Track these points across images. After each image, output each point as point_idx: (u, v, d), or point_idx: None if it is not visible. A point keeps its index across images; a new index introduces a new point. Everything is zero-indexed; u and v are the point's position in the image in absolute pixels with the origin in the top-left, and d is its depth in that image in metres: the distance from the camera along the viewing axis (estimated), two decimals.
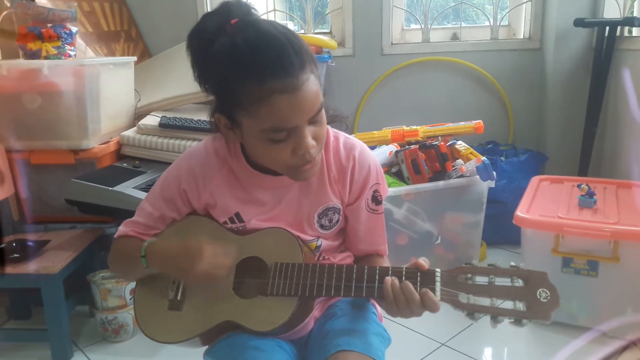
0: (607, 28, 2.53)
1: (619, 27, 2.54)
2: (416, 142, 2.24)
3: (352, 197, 1.07)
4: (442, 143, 2.16)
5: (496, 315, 0.86)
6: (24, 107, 1.94)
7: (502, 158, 2.62)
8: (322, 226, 1.07)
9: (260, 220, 1.05)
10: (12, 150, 1.97)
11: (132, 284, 1.90)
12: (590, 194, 1.97)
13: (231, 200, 1.05)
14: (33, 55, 1.97)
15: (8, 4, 2.04)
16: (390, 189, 2.00)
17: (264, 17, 3.10)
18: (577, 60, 2.75)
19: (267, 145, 0.91)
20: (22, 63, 1.96)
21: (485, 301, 0.88)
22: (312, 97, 0.88)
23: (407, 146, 2.21)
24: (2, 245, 1.88)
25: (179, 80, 2.39)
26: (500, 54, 2.92)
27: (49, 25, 1.99)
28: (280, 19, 3.24)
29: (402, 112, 2.95)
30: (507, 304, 0.88)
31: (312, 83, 0.88)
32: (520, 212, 1.93)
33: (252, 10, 0.93)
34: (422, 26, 2.99)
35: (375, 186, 1.07)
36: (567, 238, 1.82)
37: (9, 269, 1.76)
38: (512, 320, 0.86)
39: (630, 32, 2.62)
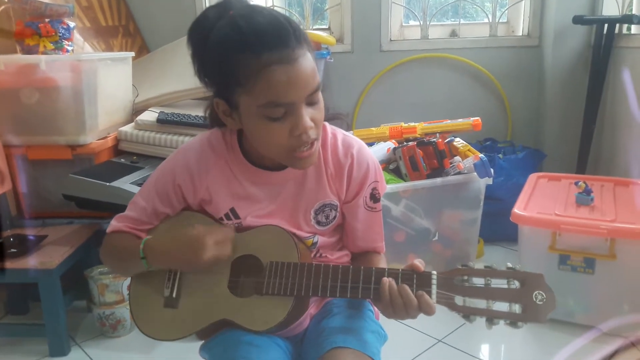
0: (606, 25, 2.53)
1: (617, 25, 2.54)
2: (414, 139, 2.24)
3: (350, 195, 1.07)
4: (440, 140, 2.16)
5: (492, 318, 0.87)
6: (21, 103, 1.94)
7: (500, 155, 2.62)
8: (318, 222, 1.07)
9: (256, 216, 1.05)
10: (10, 146, 1.97)
11: (130, 279, 1.90)
12: (587, 192, 1.97)
13: (227, 196, 1.04)
14: (30, 50, 1.97)
15: None
16: (388, 186, 2.00)
17: None
18: (575, 57, 2.75)
19: (265, 125, 0.91)
20: (20, 58, 1.96)
21: (481, 303, 0.88)
22: (308, 72, 0.89)
23: (405, 143, 2.21)
24: (0, 241, 1.88)
25: (177, 75, 2.39)
26: (499, 51, 2.92)
27: (47, 20, 1.98)
28: None
29: (400, 109, 2.94)
30: (503, 306, 0.88)
31: (308, 59, 0.89)
32: (517, 209, 1.93)
33: (251, 3, 0.94)
34: (421, 23, 2.99)
35: (374, 184, 1.07)
36: (564, 235, 1.83)
37: (7, 264, 1.76)
38: (508, 322, 0.87)
39: (629, 29, 2.62)
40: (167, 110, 2.25)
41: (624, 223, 1.78)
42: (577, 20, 2.61)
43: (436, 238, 2.21)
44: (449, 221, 2.24)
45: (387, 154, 2.20)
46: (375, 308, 1.12)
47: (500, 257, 2.49)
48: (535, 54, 2.90)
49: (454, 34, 3.04)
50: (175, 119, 2.11)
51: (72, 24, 2.07)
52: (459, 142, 2.25)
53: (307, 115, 0.91)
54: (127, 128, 2.17)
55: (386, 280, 0.92)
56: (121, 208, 1.75)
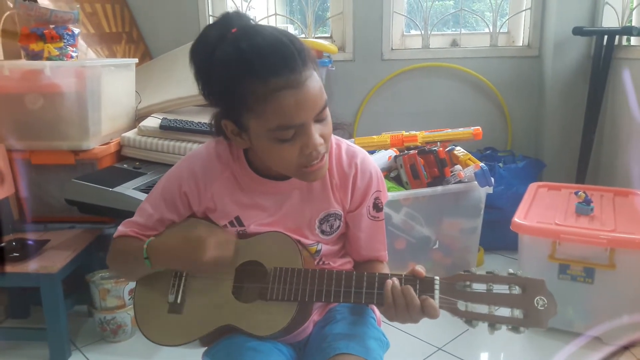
0: (606, 37, 2.55)
1: (617, 36, 2.56)
2: (415, 148, 2.25)
3: (353, 204, 1.08)
4: (441, 149, 2.18)
5: (494, 323, 0.88)
6: (25, 108, 1.95)
7: (500, 164, 2.63)
8: (322, 232, 1.08)
9: (260, 225, 1.05)
10: (13, 150, 1.98)
11: (131, 284, 1.91)
12: (587, 202, 1.98)
13: (232, 205, 1.05)
14: (35, 56, 1.98)
15: (11, 5, 2.05)
16: (389, 194, 2.01)
17: (265, 21, 3.13)
18: (575, 68, 2.77)
19: (275, 145, 0.92)
20: (25, 64, 1.97)
21: (483, 308, 0.89)
22: (316, 93, 0.89)
23: (406, 151, 2.23)
24: (2, 244, 1.88)
25: (180, 82, 2.40)
26: (500, 61, 2.94)
27: (52, 26, 1.99)
28: (281, 23, 3.26)
29: (401, 118, 2.96)
30: (505, 311, 0.89)
31: (315, 80, 0.90)
32: (517, 218, 1.94)
33: (252, 20, 0.94)
34: (422, 32, 3.01)
35: (377, 193, 1.08)
36: (563, 245, 1.84)
37: (9, 268, 1.77)
38: (510, 327, 0.88)
39: (628, 40, 2.64)
40: (170, 116, 2.26)
41: (624, 233, 1.79)
42: (577, 31, 2.63)
43: (436, 246, 2.22)
44: (449, 229, 2.25)
45: (388, 162, 2.21)
46: (378, 315, 1.13)
47: (500, 266, 2.47)
48: (535, 64, 2.92)
49: (454, 43, 3.06)
50: (178, 126, 2.12)
51: (76, 30, 2.08)
52: (459, 150, 2.26)
53: (317, 132, 0.92)
54: (130, 134, 2.18)
55: (389, 280, 0.93)
56: (123, 213, 1.76)
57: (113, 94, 2.15)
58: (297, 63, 0.87)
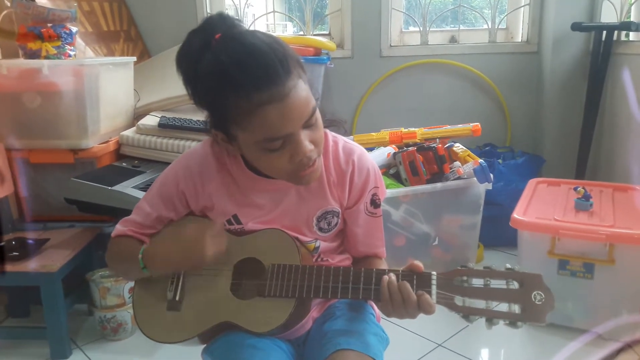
0: (604, 32, 2.55)
1: (616, 32, 2.56)
2: (414, 144, 2.25)
3: (351, 201, 1.08)
4: (440, 145, 2.18)
5: (491, 318, 0.88)
6: (23, 107, 1.95)
7: (500, 160, 2.63)
8: (320, 229, 1.08)
9: (258, 222, 1.05)
10: (12, 149, 1.98)
11: (131, 283, 1.91)
12: (586, 197, 1.98)
13: (229, 203, 1.05)
14: (33, 54, 1.98)
15: (8, 4, 2.05)
16: (388, 191, 2.02)
17: (263, 18, 3.13)
18: (574, 63, 2.77)
19: (265, 155, 0.91)
20: (22, 62, 1.97)
21: (480, 304, 0.89)
22: (301, 102, 0.88)
23: (405, 148, 2.23)
24: (2, 244, 1.89)
25: (178, 80, 2.36)
26: (498, 57, 2.94)
27: (49, 25, 1.99)
28: (279, 20, 3.26)
29: (400, 114, 2.96)
30: (503, 307, 0.89)
31: (300, 89, 0.88)
32: (517, 214, 1.94)
33: (236, 22, 0.92)
34: (421, 29, 3.01)
35: (374, 190, 1.08)
36: (563, 240, 1.84)
37: (8, 267, 1.77)
38: (507, 322, 0.88)
39: (627, 36, 2.64)
40: (168, 114, 2.26)
41: (623, 228, 1.79)
42: (576, 27, 2.63)
43: (436, 243, 2.22)
44: (448, 226, 2.25)
45: (387, 159, 2.21)
46: (377, 311, 1.13)
47: (499, 262, 2.45)
48: (534, 60, 2.92)
49: (453, 40, 3.06)
50: (176, 124, 2.12)
51: (74, 29, 2.08)
52: (458, 147, 2.26)
53: (306, 138, 0.91)
54: (129, 132, 2.18)
55: (386, 277, 0.93)
56: (122, 212, 1.76)
57: (111, 93, 2.15)
58: (280, 75, 0.85)
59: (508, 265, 0.92)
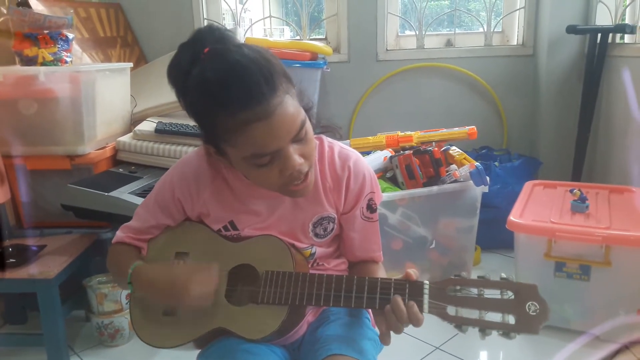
0: (599, 35, 2.56)
1: (610, 34, 2.57)
2: (410, 148, 2.25)
3: (347, 206, 1.08)
4: (436, 148, 2.18)
5: (484, 328, 0.87)
6: (20, 113, 1.95)
7: (496, 163, 2.64)
8: (316, 235, 1.08)
9: (254, 229, 1.06)
10: (9, 156, 1.98)
11: None
12: (582, 199, 1.99)
13: (225, 210, 1.06)
14: (29, 61, 1.98)
15: (4, 11, 2.05)
16: (385, 194, 2.02)
17: (260, 23, 3.13)
18: (569, 66, 2.78)
19: (255, 169, 0.92)
20: (19, 69, 1.97)
21: (474, 314, 0.88)
22: (288, 119, 0.87)
23: (401, 152, 2.23)
24: None
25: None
26: (494, 60, 2.95)
27: (46, 31, 2.00)
28: (275, 24, 3.27)
29: (396, 118, 2.97)
30: (496, 317, 0.88)
31: (287, 105, 0.87)
32: (513, 216, 1.95)
33: (226, 34, 0.92)
34: (417, 32, 3.02)
35: (370, 195, 1.08)
36: (559, 243, 1.84)
37: (5, 274, 1.77)
38: (501, 333, 0.87)
39: (622, 38, 2.65)
40: (165, 120, 2.26)
41: (619, 230, 1.79)
42: (571, 29, 2.64)
43: (433, 246, 2.22)
44: (445, 229, 2.25)
45: (384, 163, 2.22)
46: (372, 315, 1.13)
47: (496, 264, 2.50)
48: (529, 63, 2.93)
49: (449, 43, 3.07)
50: (173, 129, 2.12)
51: (70, 35, 2.08)
52: (455, 150, 2.26)
53: (295, 152, 0.90)
54: (126, 138, 2.18)
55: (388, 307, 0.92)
56: (119, 218, 1.76)
57: (108, 99, 2.15)
58: (265, 93, 0.84)
59: (503, 275, 0.90)
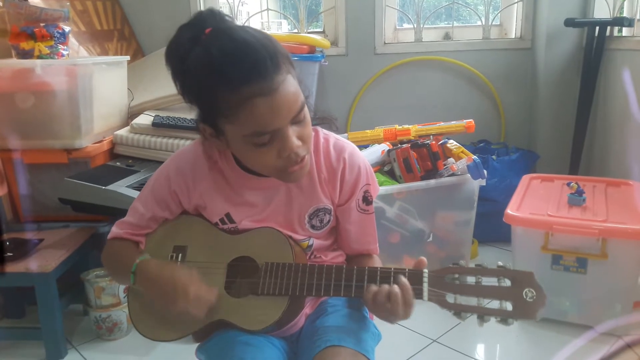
0: (597, 28, 2.56)
1: (608, 27, 2.57)
2: (408, 141, 2.25)
3: (342, 198, 1.08)
4: (434, 142, 2.18)
5: (482, 315, 0.88)
6: (16, 107, 1.94)
7: (494, 156, 2.64)
8: (313, 226, 1.08)
9: (251, 221, 1.06)
10: (5, 150, 1.98)
11: None
12: (579, 192, 1.99)
13: (221, 202, 1.06)
14: (26, 54, 1.97)
15: (0, 4, 2.04)
16: (382, 188, 2.02)
17: (258, 16, 3.12)
18: (567, 59, 2.78)
19: (253, 149, 0.92)
20: (15, 62, 1.96)
21: (472, 301, 0.89)
22: (290, 97, 0.88)
23: (399, 145, 2.23)
24: None
25: (172, 79, 2.39)
26: (492, 53, 2.95)
27: (42, 24, 1.99)
28: (273, 18, 3.26)
29: (394, 111, 2.96)
30: (494, 304, 0.90)
31: (289, 84, 0.88)
32: (510, 210, 1.95)
33: (226, 18, 0.92)
34: (415, 26, 3.01)
35: (366, 187, 1.08)
36: (556, 236, 1.85)
37: (3, 268, 1.77)
38: (499, 319, 0.88)
39: (620, 31, 2.65)
40: (162, 113, 2.26)
41: (616, 223, 1.80)
42: (569, 22, 2.63)
43: (430, 239, 2.23)
44: (443, 222, 2.26)
45: (382, 156, 2.22)
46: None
47: (494, 257, 2.50)
48: (527, 56, 2.93)
49: (447, 36, 3.07)
50: (170, 123, 2.12)
51: (67, 28, 2.07)
52: (452, 144, 2.26)
53: (294, 134, 0.91)
54: (123, 132, 2.18)
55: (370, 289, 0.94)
56: (117, 211, 1.76)
57: (105, 92, 2.14)
58: (269, 69, 0.85)
59: (500, 263, 0.92)
